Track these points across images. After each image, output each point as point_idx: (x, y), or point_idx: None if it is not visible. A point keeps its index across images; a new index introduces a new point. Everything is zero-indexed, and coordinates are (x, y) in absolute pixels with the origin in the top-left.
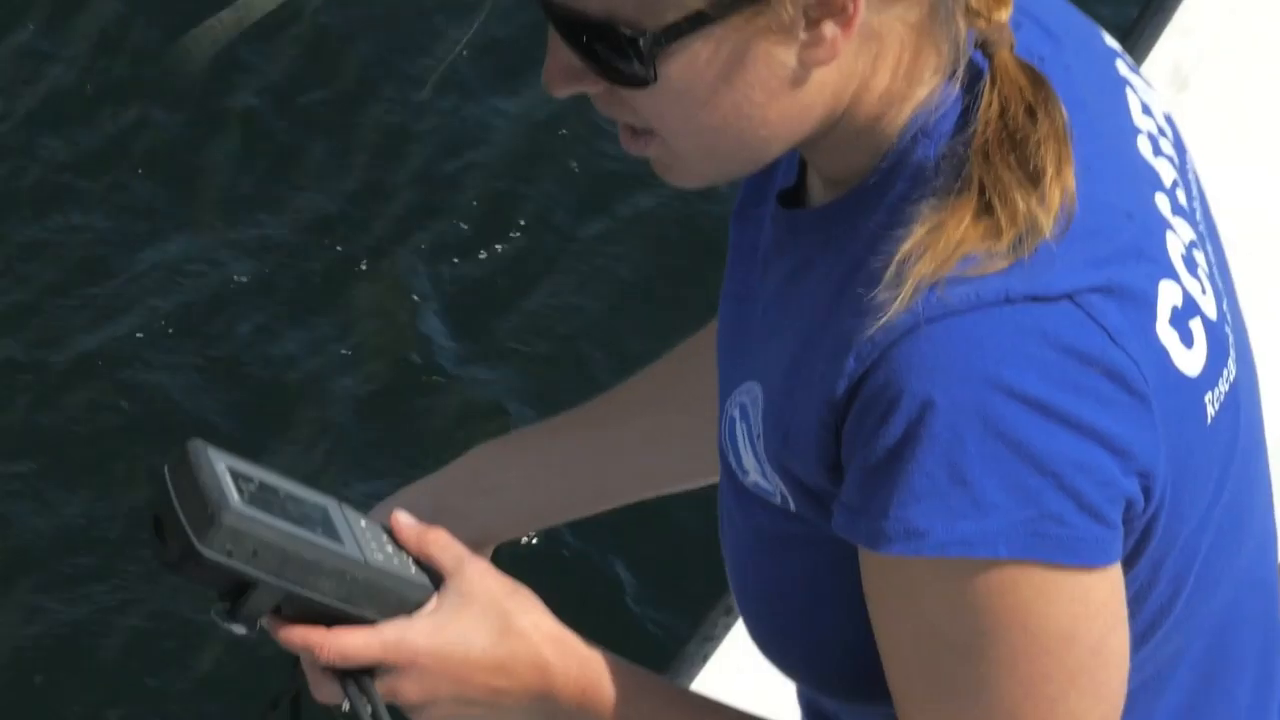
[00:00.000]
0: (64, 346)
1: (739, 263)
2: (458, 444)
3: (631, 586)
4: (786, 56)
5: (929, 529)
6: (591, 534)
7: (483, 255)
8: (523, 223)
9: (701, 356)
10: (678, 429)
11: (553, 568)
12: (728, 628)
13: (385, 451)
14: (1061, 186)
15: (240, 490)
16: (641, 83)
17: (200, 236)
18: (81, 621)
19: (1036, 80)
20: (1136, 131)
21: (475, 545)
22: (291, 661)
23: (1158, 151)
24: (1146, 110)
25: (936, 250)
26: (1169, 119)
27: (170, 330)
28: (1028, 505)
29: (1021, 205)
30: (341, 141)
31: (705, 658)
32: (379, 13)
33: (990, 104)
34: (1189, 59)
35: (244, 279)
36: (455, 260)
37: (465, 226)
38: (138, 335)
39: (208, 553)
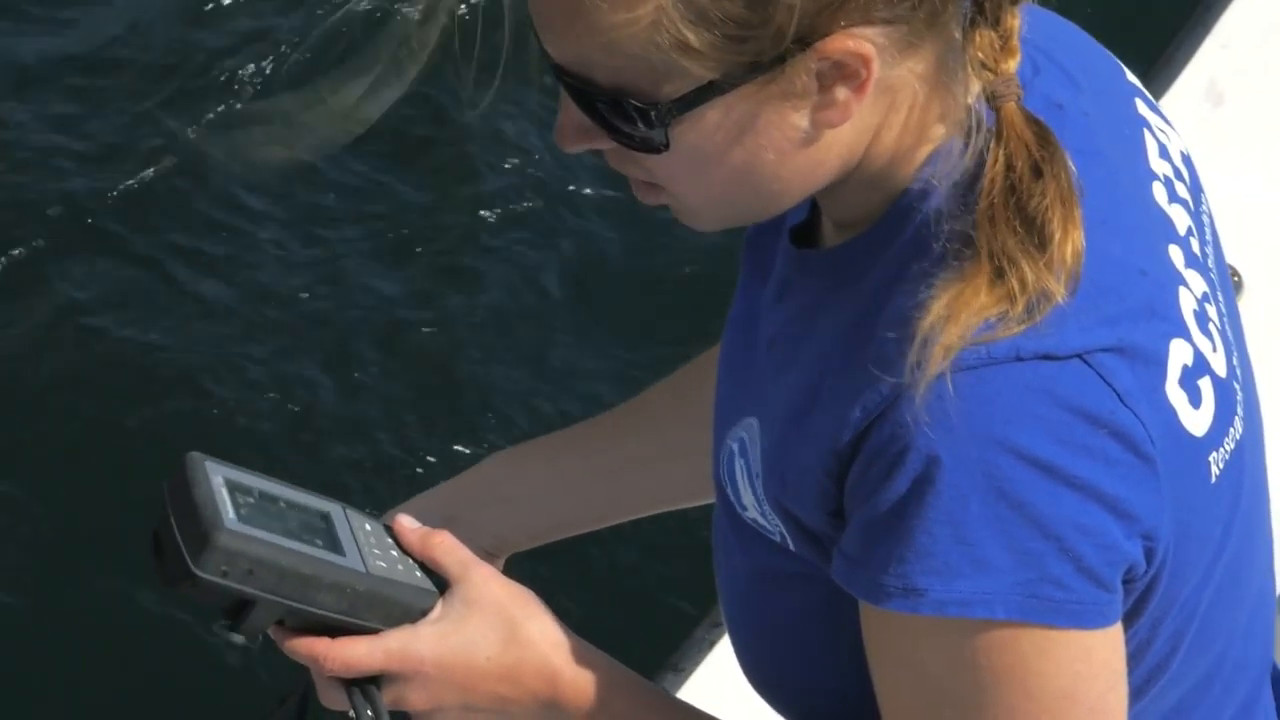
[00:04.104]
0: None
1: (748, 289)
2: (471, 452)
3: (638, 573)
4: (799, 119)
5: (927, 587)
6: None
7: (515, 259)
8: (553, 225)
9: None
10: (694, 444)
11: (559, 552)
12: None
13: (401, 457)
14: (1070, 249)
15: (237, 505)
16: (654, 149)
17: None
18: (93, 619)
19: (1043, 136)
20: (1153, 177)
21: (488, 555)
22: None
23: (1173, 197)
24: (1164, 152)
25: (959, 320)
26: (1186, 158)
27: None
28: (1028, 568)
29: (1030, 274)
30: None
31: (712, 644)
32: None
33: (996, 160)
34: (1226, 73)
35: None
36: (480, 266)
37: (493, 231)
38: (169, 339)
39: (202, 575)
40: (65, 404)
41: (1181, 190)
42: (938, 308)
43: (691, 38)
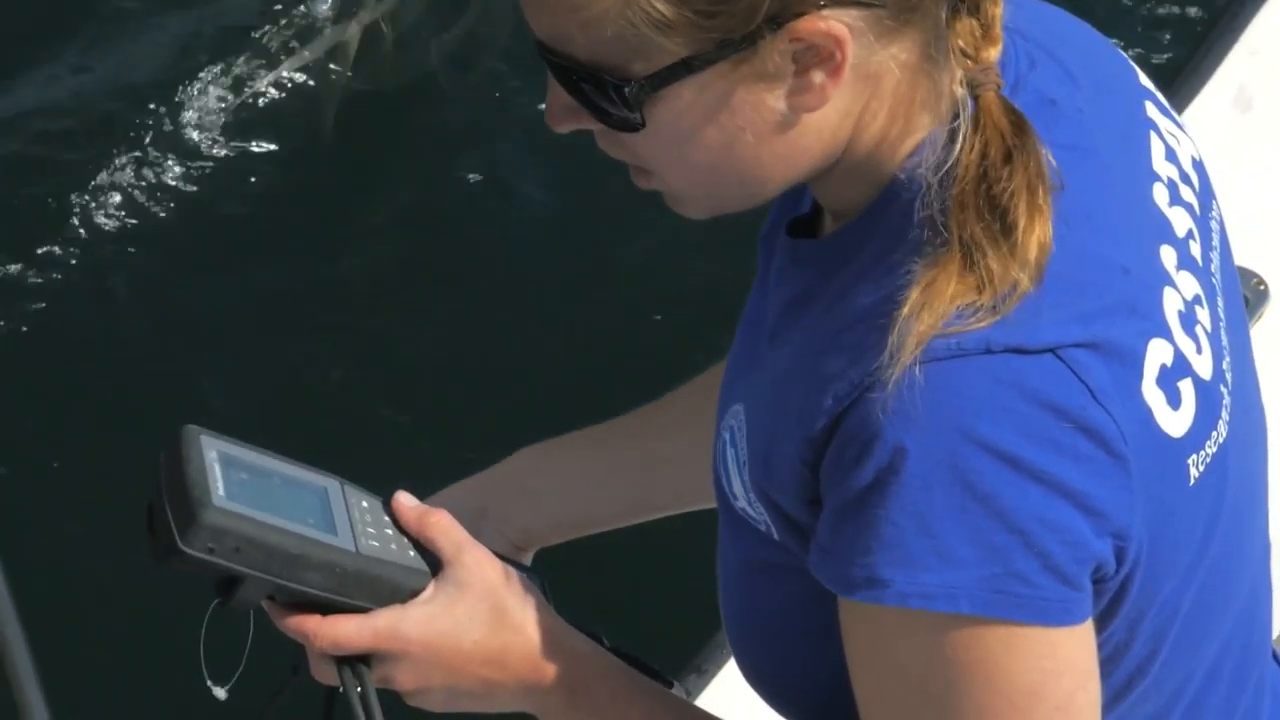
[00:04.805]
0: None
1: (761, 284)
2: (500, 447)
3: (661, 572)
4: (775, 101)
5: (891, 578)
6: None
7: (539, 257)
8: (575, 226)
9: None
10: None
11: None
12: None
13: (426, 450)
14: (1035, 239)
15: (228, 481)
16: (631, 127)
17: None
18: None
19: (1018, 125)
20: (1155, 179)
21: (515, 548)
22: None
23: (1175, 200)
24: (1171, 156)
25: (933, 309)
26: (1198, 164)
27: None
28: (993, 562)
29: (996, 264)
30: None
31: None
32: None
33: (972, 147)
34: (1255, 80)
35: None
36: (506, 263)
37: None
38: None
39: (189, 551)
40: (69, 384)
41: (1187, 194)
42: (914, 296)
43: (665, 12)
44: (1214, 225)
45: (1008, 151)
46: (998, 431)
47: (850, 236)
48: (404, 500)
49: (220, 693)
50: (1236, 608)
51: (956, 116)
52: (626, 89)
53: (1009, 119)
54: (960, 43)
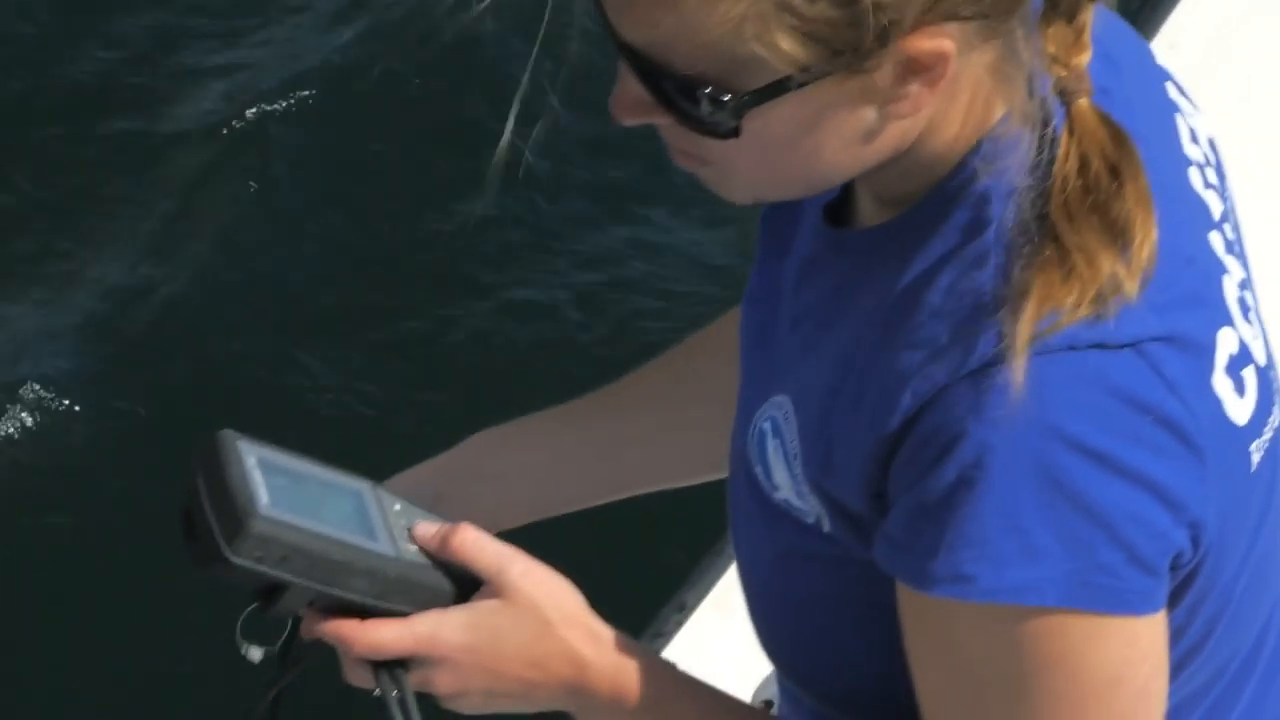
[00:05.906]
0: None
1: (766, 264)
2: (462, 427)
3: (614, 550)
4: (869, 112)
5: (977, 574)
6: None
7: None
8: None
9: (717, 350)
10: (690, 423)
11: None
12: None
13: (387, 430)
14: (1148, 250)
15: (270, 488)
16: (724, 136)
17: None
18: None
19: (1118, 137)
20: (1188, 163)
21: None
22: (277, 653)
23: (1206, 183)
24: (1194, 137)
25: (1034, 314)
26: (1212, 144)
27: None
28: (1079, 556)
29: (1107, 268)
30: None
31: (680, 624)
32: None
33: (1068, 156)
34: (1174, 74)
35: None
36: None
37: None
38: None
39: (237, 560)
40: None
41: (1211, 176)
42: (1015, 299)
43: (779, 35)
44: (1230, 205)
45: (1112, 166)
46: (1083, 427)
47: (908, 228)
48: (421, 532)
49: (256, 653)
50: (1278, 586)
51: (1046, 122)
52: (728, 101)
53: (1108, 131)
54: (1052, 48)
